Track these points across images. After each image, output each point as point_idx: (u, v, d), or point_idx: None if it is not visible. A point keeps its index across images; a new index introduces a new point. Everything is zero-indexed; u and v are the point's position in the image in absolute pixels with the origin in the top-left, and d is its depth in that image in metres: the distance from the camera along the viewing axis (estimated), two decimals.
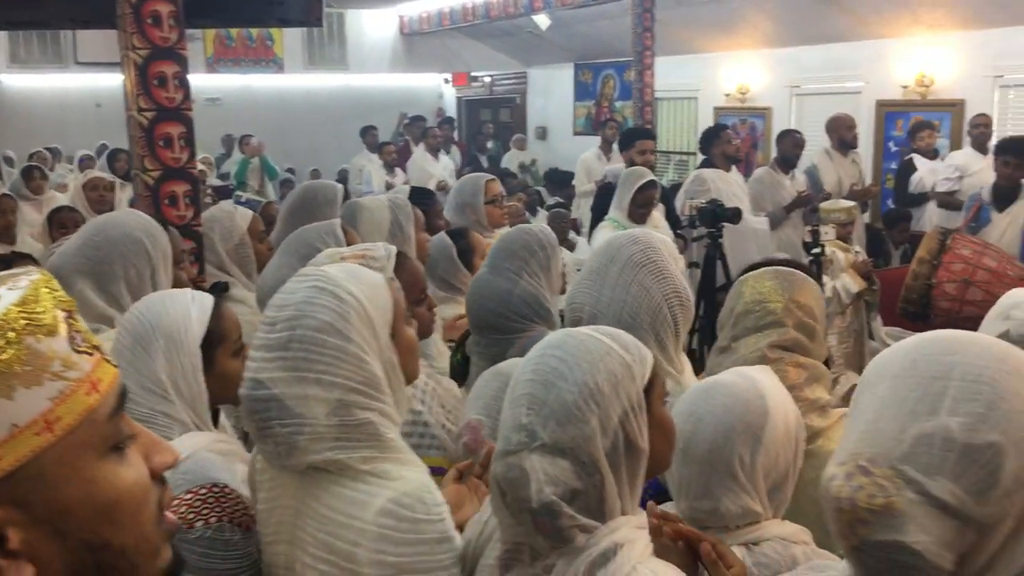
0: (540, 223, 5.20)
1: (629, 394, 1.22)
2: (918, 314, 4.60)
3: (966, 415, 0.95)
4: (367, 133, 10.44)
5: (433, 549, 1.34)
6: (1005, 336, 1.51)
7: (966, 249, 4.54)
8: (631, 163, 5.56)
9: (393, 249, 2.03)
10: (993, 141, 6.28)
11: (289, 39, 12.71)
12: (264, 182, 9.91)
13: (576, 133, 12.92)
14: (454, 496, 1.73)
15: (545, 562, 1.20)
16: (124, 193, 6.28)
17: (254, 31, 12.41)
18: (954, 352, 1.00)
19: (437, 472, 1.93)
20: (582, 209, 7.94)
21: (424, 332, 2.02)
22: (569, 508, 1.17)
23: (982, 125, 6.92)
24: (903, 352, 1.05)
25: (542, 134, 13.78)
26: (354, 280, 1.44)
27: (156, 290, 2.20)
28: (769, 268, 2.12)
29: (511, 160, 12.00)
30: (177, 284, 2.35)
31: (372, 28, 13.43)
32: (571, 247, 6.80)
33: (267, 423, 1.36)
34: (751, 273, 2.15)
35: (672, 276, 2.06)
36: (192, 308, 1.66)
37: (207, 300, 1.71)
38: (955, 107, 8.08)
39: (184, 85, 3.34)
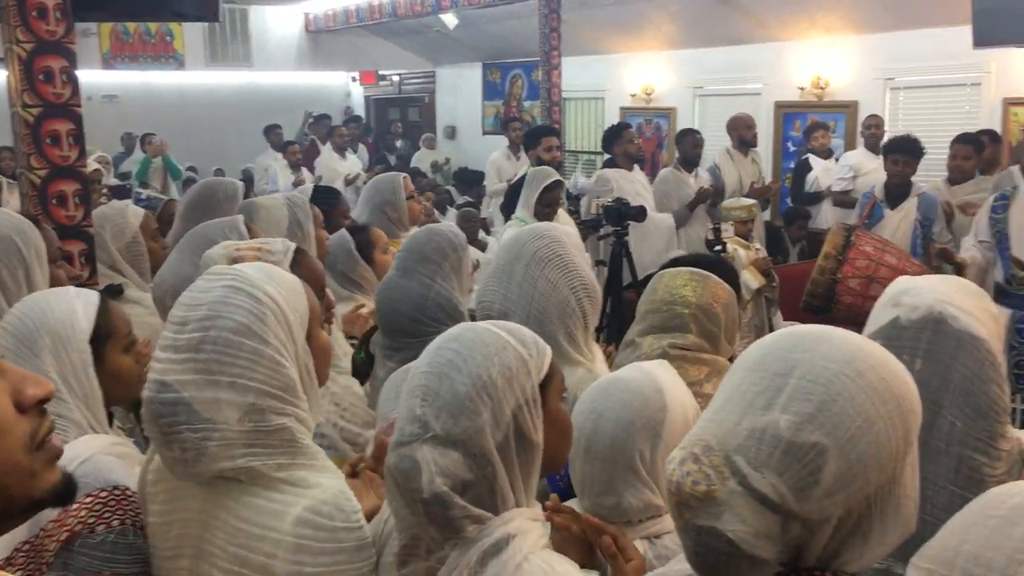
0: (450, 222, 5.18)
1: (523, 388, 1.22)
2: (822, 308, 4.73)
3: (795, 413, 0.98)
4: (271, 132, 10.25)
5: (352, 558, 1.31)
6: (895, 322, 1.56)
7: (869, 246, 4.70)
8: (538, 161, 5.59)
9: (291, 244, 2.00)
10: (885, 141, 6.53)
11: (189, 35, 12.34)
12: (168, 182, 9.64)
13: (485, 132, 12.94)
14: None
15: (440, 554, 1.20)
16: (13, 194, 6.00)
17: (152, 26, 12.01)
18: (803, 350, 1.02)
19: None
20: (492, 209, 7.95)
21: None
22: (460, 499, 1.17)
23: (874, 126, 7.19)
24: (761, 345, 1.08)
25: (451, 133, 13.75)
26: (272, 281, 1.39)
27: (32, 290, 2.12)
28: (685, 269, 2.14)
29: (421, 159, 11.93)
30: (55, 283, 2.26)
31: (277, 25, 13.17)
32: (482, 247, 6.80)
33: (174, 428, 1.29)
34: (668, 270, 2.17)
35: (578, 268, 2.07)
36: (77, 304, 1.61)
37: (92, 296, 1.66)
38: (849, 108, 8.38)
39: (72, 80, 3.21)
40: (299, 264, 1.95)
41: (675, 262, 2.24)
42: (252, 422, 1.30)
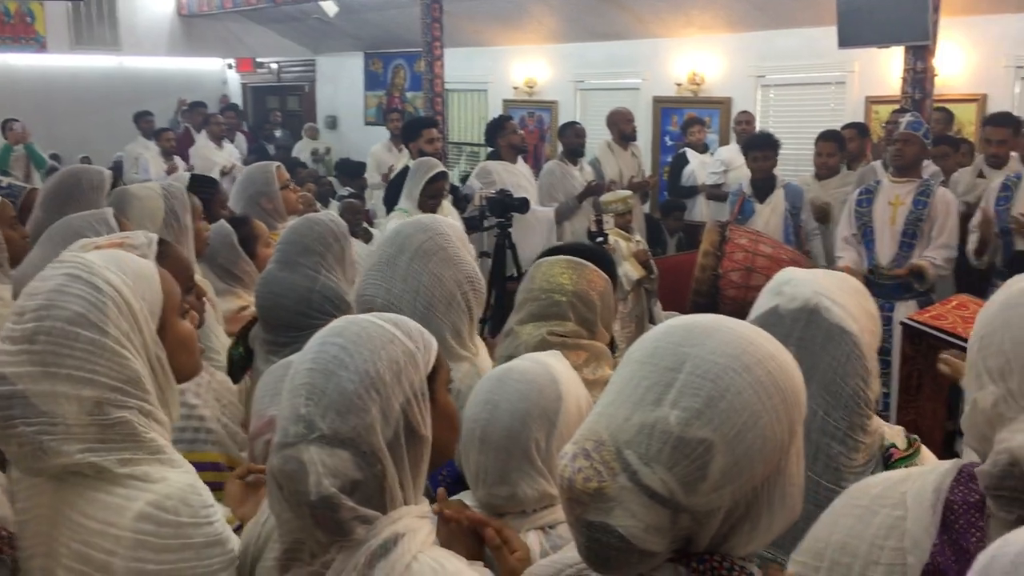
0: (332, 214, 5.08)
1: (412, 382, 1.20)
2: (709, 304, 4.85)
3: (684, 409, 0.99)
4: (141, 119, 9.84)
5: (200, 554, 1.26)
6: (774, 310, 1.62)
7: (743, 239, 4.86)
8: (420, 153, 5.54)
9: (154, 236, 1.91)
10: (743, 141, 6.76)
11: (52, 15, 11.70)
12: (31, 171, 9.11)
13: (368, 123, 12.78)
14: (237, 492, 1.66)
15: (325, 558, 1.16)
16: None
17: (11, 5, 11.34)
18: (692, 344, 1.03)
19: (214, 468, 1.84)
20: (375, 200, 7.85)
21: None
22: (349, 500, 1.14)
23: (744, 122, 7.45)
24: (652, 338, 1.09)
25: (332, 123, 13.52)
26: (115, 268, 1.33)
27: None
28: (563, 257, 2.15)
29: (303, 149, 11.67)
30: None
31: (147, 7, 12.60)
32: (367, 239, 6.69)
33: (10, 422, 1.24)
34: (546, 259, 2.17)
35: (463, 261, 2.06)
36: None
37: None
38: (723, 104, 8.66)
39: None
40: (165, 256, 1.88)
41: (553, 251, 2.25)
42: (91, 416, 1.25)
